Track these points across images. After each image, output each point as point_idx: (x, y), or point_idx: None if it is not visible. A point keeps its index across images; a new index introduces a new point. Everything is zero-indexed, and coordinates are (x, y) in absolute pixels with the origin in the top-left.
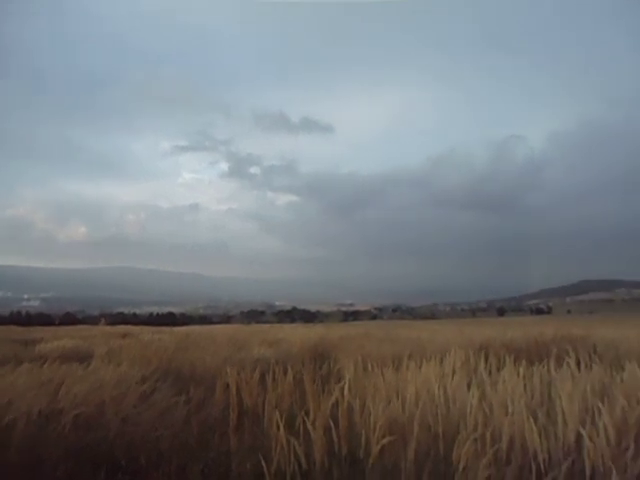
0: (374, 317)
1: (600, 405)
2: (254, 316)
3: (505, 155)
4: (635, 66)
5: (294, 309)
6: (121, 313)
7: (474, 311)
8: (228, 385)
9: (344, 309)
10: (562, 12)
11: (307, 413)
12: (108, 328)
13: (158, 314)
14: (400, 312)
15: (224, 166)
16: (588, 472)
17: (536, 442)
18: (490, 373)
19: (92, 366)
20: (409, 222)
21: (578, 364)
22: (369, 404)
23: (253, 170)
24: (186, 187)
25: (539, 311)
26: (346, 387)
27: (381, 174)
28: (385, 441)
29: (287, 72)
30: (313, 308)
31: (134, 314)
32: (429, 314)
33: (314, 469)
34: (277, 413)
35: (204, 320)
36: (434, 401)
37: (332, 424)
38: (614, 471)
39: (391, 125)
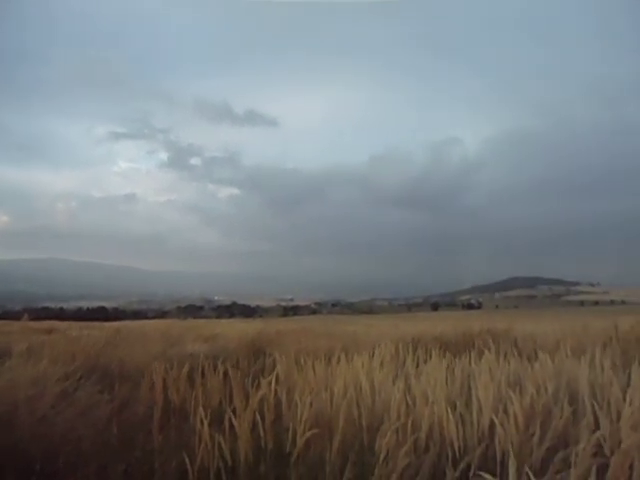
0: (314, 312)
1: (512, 394)
2: (191, 311)
3: (442, 156)
4: (563, 77)
5: (233, 304)
6: (47, 308)
7: (410, 306)
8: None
9: (284, 304)
10: (499, 21)
11: (235, 409)
12: (31, 324)
13: (88, 309)
14: (339, 307)
15: (163, 156)
16: (499, 457)
17: (452, 430)
18: (417, 365)
19: (8, 364)
20: (350, 219)
21: (497, 356)
22: (297, 398)
23: (194, 161)
24: (122, 176)
25: (470, 306)
26: (274, 382)
27: (324, 170)
28: (310, 434)
29: (233, 62)
30: (253, 303)
31: (61, 309)
32: (367, 309)
33: (239, 465)
34: (201, 409)
35: (138, 315)
36: (361, 394)
37: (259, 419)
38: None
39: (335, 122)
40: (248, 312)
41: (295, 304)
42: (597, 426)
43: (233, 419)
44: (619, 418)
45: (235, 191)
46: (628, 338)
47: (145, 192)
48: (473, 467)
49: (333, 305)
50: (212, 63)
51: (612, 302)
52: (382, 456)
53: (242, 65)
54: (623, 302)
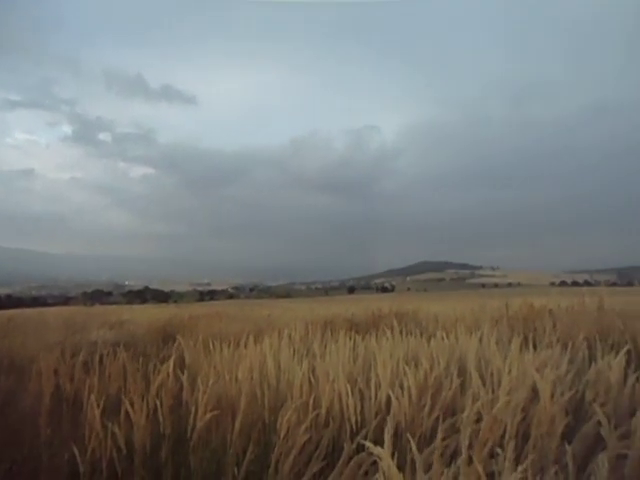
0: (231, 296)
1: (407, 370)
2: (99, 297)
3: (361, 143)
4: (475, 74)
5: (146, 289)
6: None
7: (327, 290)
8: (54, 371)
9: (200, 289)
10: (421, 18)
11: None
12: None
13: None
14: (257, 291)
15: (67, 129)
16: (393, 428)
17: (351, 405)
18: (325, 346)
19: None
20: (269, 202)
21: (401, 335)
22: (200, 381)
23: (103, 136)
24: (18, 149)
25: (384, 289)
26: (171, 366)
27: (244, 152)
28: (210, 416)
29: (150, 35)
30: (167, 288)
31: None
32: (285, 293)
33: (135, 453)
34: (93, 398)
35: (37, 302)
36: (266, 374)
37: (158, 404)
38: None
39: (256, 104)
40: (162, 297)
41: (212, 289)
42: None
43: (129, 406)
44: (499, 387)
45: (149, 170)
46: (516, 316)
47: (45, 168)
48: (369, 439)
49: (251, 289)
50: (126, 33)
51: (510, 284)
52: (283, 434)
53: (159, 38)
54: (519, 284)
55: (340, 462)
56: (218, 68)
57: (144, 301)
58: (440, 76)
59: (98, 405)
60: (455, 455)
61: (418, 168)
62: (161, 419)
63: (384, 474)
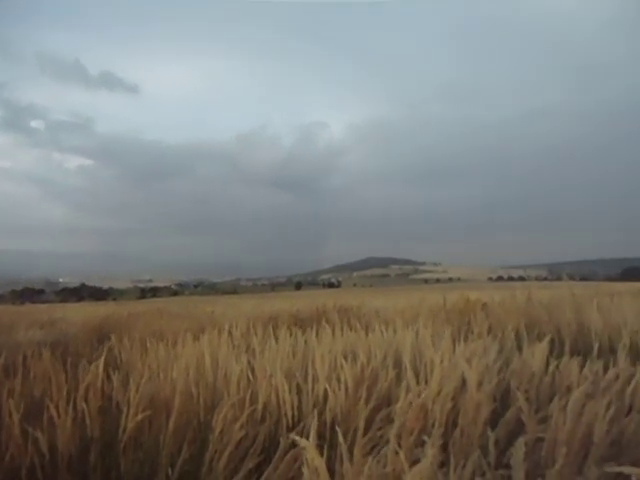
0: (175, 293)
1: (344, 363)
2: (29, 295)
3: (309, 139)
4: (420, 76)
5: (82, 286)
6: None
7: (274, 286)
8: None
9: (141, 285)
10: (373, 19)
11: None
12: None
13: None
14: (202, 288)
15: None
16: (329, 420)
17: (288, 400)
18: (267, 342)
19: None
20: (214, 197)
21: (342, 329)
22: (133, 381)
23: (35, 124)
24: None
25: (331, 285)
26: (101, 366)
27: (189, 144)
28: (141, 417)
29: (90, 18)
30: (105, 285)
31: None
32: (231, 289)
33: (60, 458)
34: (11, 402)
35: None
36: (203, 371)
37: (85, 407)
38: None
39: (203, 96)
40: (99, 295)
41: (154, 285)
42: (417, 385)
43: (53, 409)
44: (432, 377)
45: (87, 161)
46: (453, 309)
47: None
48: (305, 433)
49: (195, 286)
50: (63, 14)
51: (450, 279)
52: (218, 431)
53: (100, 22)
54: (459, 279)
55: (276, 457)
56: (163, 57)
57: (80, 299)
58: (387, 75)
59: (18, 409)
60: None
61: (365, 165)
62: (88, 422)
63: (308, 465)
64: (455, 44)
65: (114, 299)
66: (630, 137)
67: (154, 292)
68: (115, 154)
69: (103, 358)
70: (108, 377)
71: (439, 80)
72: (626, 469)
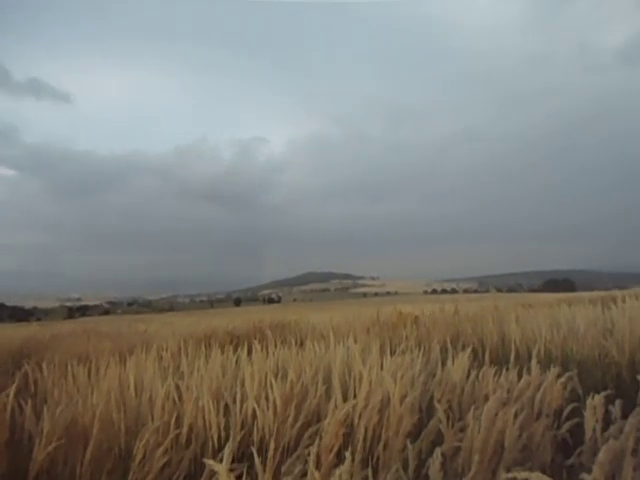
0: (106, 312)
1: (274, 381)
2: None
3: (248, 154)
4: (354, 94)
5: (1, 306)
6: None
7: (212, 302)
8: None
9: (69, 304)
10: (309, 30)
11: None
12: None
13: None
14: (137, 306)
15: None
16: (257, 439)
17: (214, 422)
18: (197, 362)
19: None
20: (149, 211)
21: (275, 346)
22: (48, 409)
23: None
24: None
25: (271, 300)
26: (12, 394)
27: (124, 157)
28: (52, 447)
29: (15, 19)
30: (28, 304)
31: None
32: (168, 307)
33: None
34: None
35: None
36: (127, 395)
37: None
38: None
39: (139, 108)
40: (21, 315)
41: (83, 304)
42: (345, 400)
43: None
44: (359, 391)
45: (10, 172)
46: (386, 323)
47: None
48: (232, 454)
49: (129, 304)
50: None
51: (388, 293)
52: (139, 458)
53: (28, 25)
54: (396, 293)
55: None
56: (98, 67)
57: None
58: (325, 92)
59: None
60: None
61: (304, 181)
62: None
63: None
64: (391, 65)
65: (38, 319)
66: (547, 158)
67: (83, 311)
68: (42, 165)
69: (14, 386)
70: (20, 406)
71: (375, 99)
72: (520, 474)
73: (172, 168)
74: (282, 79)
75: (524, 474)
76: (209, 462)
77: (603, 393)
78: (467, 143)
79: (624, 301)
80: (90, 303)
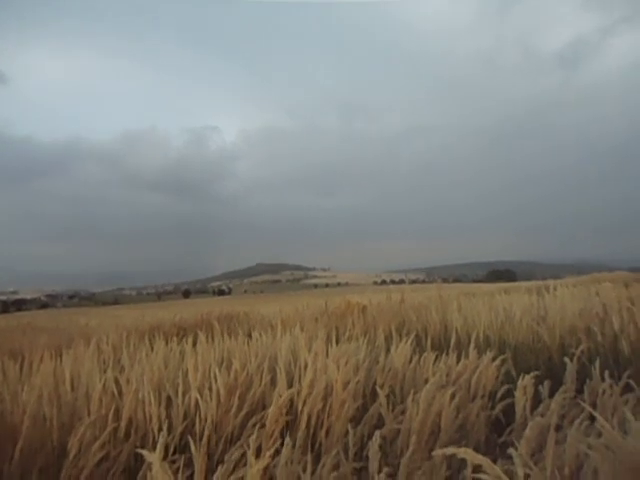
0: (45, 306)
1: (217, 372)
2: None
3: (200, 143)
4: (318, 86)
5: None
6: None
7: (160, 294)
8: None
9: (4, 298)
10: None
11: None
12: None
13: None
14: (79, 299)
15: None
16: (199, 429)
17: (155, 413)
18: (138, 354)
19: None
20: (93, 199)
21: (222, 336)
22: None
23: None
24: None
25: (221, 292)
26: None
27: (65, 142)
28: None
29: None
30: None
31: None
32: (112, 300)
33: None
34: None
35: None
36: (60, 391)
37: None
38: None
39: (84, 92)
40: None
41: (20, 297)
42: (290, 388)
43: None
44: (304, 379)
45: None
46: (335, 313)
47: None
48: (171, 444)
49: (70, 297)
50: None
51: (339, 284)
52: (73, 454)
53: None
54: (347, 284)
55: (140, 474)
56: (40, 48)
57: None
58: (278, 84)
59: None
60: (260, 451)
61: (256, 172)
62: None
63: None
64: (348, 59)
65: None
66: (495, 147)
67: (19, 305)
68: None
69: None
70: None
71: (328, 91)
72: (449, 450)
73: (119, 156)
74: (236, 67)
75: (453, 450)
76: (142, 452)
77: (532, 373)
78: (419, 139)
79: (556, 289)
80: (27, 296)
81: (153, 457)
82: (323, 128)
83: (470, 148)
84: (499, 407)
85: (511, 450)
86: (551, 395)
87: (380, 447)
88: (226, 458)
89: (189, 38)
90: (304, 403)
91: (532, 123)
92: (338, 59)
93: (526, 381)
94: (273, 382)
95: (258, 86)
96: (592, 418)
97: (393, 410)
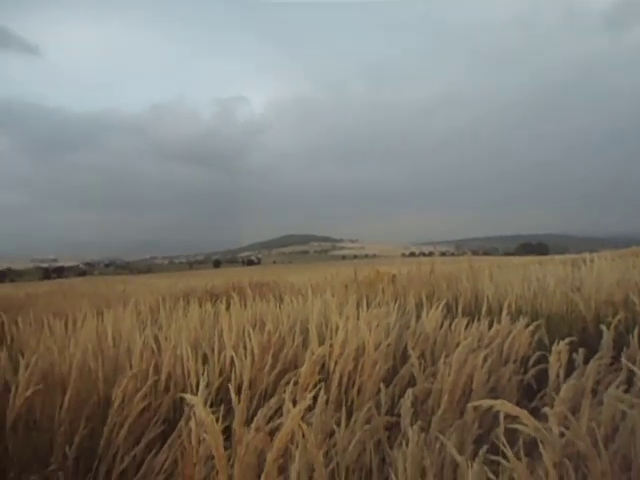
0: (83, 273)
1: (251, 330)
2: None
3: (229, 114)
4: (349, 57)
5: None
6: None
7: (192, 264)
8: None
9: (45, 265)
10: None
11: None
12: None
13: None
14: (114, 267)
15: None
16: (234, 385)
17: (193, 369)
18: (175, 315)
19: None
20: (126, 170)
21: (254, 300)
22: (25, 358)
23: None
24: None
25: (250, 262)
26: None
27: (98, 114)
28: (30, 392)
29: None
30: (1, 265)
31: None
32: (146, 268)
33: None
34: None
35: None
36: (103, 346)
37: None
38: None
39: (114, 64)
40: None
41: (59, 265)
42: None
43: None
44: (335, 340)
45: None
46: (364, 281)
47: None
48: (210, 400)
49: (107, 265)
50: None
51: (367, 256)
52: (117, 404)
53: None
54: (375, 255)
55: (180, 424)
56: (71, 20)
57: None
58: (308, 54)
59: None
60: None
61: (285, 143)
62: None
63: (196, 418)
64: (375, 29)
65: (12, 280)
66: (531, 119)
67: (59, 272)
68: (11, 121)
69: None
70: None
71: (360, 62)
72: (486, 402)
73: (149, 127)
74: (265, 38)
75: (489, 402)
76: (186, 396)
77: (568, 339)
78: (451, 109)
79: (593, 262)
80: (66, 264)
81: (196, 400)
82: (353, 98)
83: (504, 119)
84: (531, 373)
85: (546, 409)
86: (586, 363)
87: (412, 405)
88: (259, 413)
89: (219, 8)
90: (336, 363)
91: (572, 92)
92: (369, 29)
93: (561, 347)
94: (305, 343)
95: (287, 56)
96: (629, 384)
97: (424, 371)
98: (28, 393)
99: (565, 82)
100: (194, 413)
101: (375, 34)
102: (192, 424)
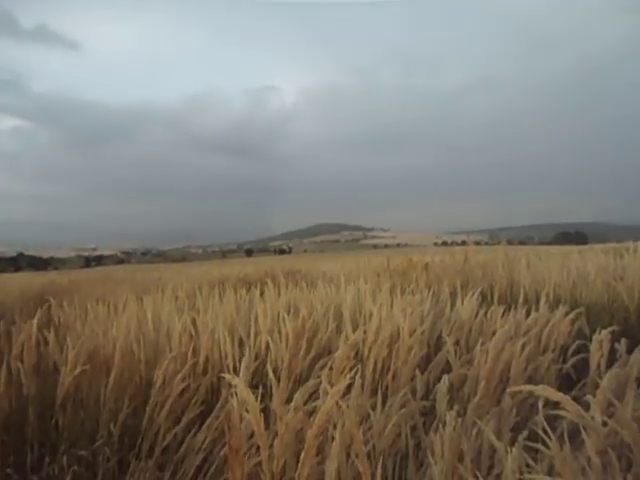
0: (121, 261)
1: (286, 316)
2: None
3: (260, 104)
4: (379, 42)
5: (20, 256)
6: None
7: (224, 253)
8: None
9: (86, 254)
10: None
11: None
12: None
13: None
14: (150, 256)
15: None
16: (270, 369)
17: (230, 352)
18: (211, 300)
19: None
20: (160, 161)
21: (287, 287)
22: (71, 339)
23: None
24: None
25: (281, 251)
26: (35, 324)
27: (134, 107)
28: (78, 371)
29: None
30: (46, 254)
31: None
32: (180, 257)
33: None
34: None
35: None
36: (145, 329)
37: (20, 366)
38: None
39: (149, 57)
40: (39, 264)
41: (99, 254)
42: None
43: None
44: (369, 327)
45: (20, 122)
46: (397, 270)
47: None
48: (246, 382)
49: (143, 254)
50: None
51: (398, 245)
52: (159, 384)
53: None
54: (406, 244)
55: (218, 405)
56: (107, 14)
57: (18, 269)
58: (337, 40)
59: None
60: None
61: (316, 130)
62: (24, 380)
63: (237, 397)
64: (406, 11)
65: (56, 268)
66: (576, 108)
67: (99, 261)
68: (53, 115)
69: (37, 317)
70: (45, 339)
71: (390, 47)
72: (526, 387)
73: (183, 119)
74: (296, 26)
75: (530, 387)
76: (227, 376)
77: (610, 329)
78: (488, 91)
79: (636, 251)
80: (105, 253)
81: (237, 380)
82: (385, 84)
83: (539, 103)
84: (571, 362)
85: (589, 397)
86: (629, 353)
87: (447, 392)
88: (296, 395)
89: (248, 2)
90: (370, 349)
91: (612, 74)
92: (400, 13)
93: (602, 336)
94: (339, 329)
95: (318, 44)
96: None
97: (460, 358)
98: (76, 372)
99: (606, 61)
100: (235, 393)
101: (406, 17)
102: (234, 402)
